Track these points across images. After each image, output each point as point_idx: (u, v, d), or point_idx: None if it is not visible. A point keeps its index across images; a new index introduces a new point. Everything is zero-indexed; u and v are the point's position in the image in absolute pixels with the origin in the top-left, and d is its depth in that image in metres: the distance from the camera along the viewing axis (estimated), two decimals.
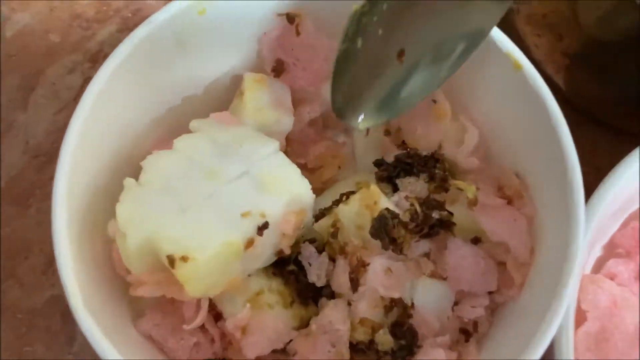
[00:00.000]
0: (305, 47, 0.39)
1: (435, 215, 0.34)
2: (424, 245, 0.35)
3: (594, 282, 0.37)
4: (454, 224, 0.35)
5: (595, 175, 0.49)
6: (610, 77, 0.44)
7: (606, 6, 0.40)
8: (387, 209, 0.34)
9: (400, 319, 0.34)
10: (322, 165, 0.42)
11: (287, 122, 0.40)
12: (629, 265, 0.39)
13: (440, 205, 0.35)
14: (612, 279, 0.38)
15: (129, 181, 0.33)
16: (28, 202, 0.46)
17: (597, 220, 0.35)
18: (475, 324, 0.35)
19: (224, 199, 0.33)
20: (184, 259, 0.30)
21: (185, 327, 0.34)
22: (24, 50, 0.51)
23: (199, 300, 0.34)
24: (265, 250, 0.34)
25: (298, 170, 0.35)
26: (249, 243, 0.32)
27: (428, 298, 0.34)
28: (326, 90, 0.40)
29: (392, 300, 0.34)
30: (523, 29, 0.48)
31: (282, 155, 0.36)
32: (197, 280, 0.31)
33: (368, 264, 0.34)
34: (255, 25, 0.39)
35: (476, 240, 0.36)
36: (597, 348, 0.35)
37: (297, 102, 0.42)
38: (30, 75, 0.51)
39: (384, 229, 0.34)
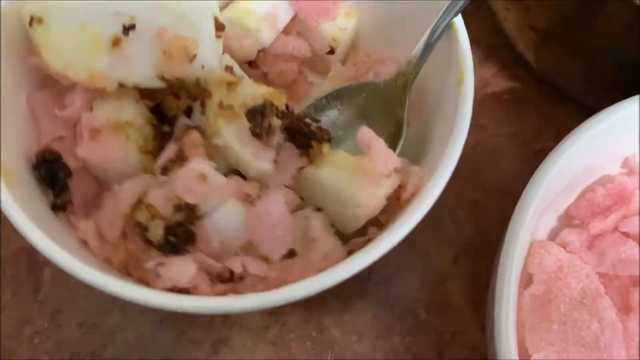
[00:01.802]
0: None
1: (313, 126, 0.36)
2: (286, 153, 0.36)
3: (542, 247, 0.37)
4: (327, 139, 0.36)
5: None
6: (578, 52, 0.45)
7: None
8: (272, 103, 0.35)
9: (182, 222, 0.34)
10: (282, 86, 0.42)
11: (266, 36, 0.41)
12: (581, 235, 0.40)
13: (325, 130, 0.36)
14: (564, 247, 0.39)
15: None
16: None
17: (545, 186, 0.36)
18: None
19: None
20: (39, 20, 0.33)
21: (57, 112, 0.36)
22: None
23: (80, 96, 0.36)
24: (138, 59, 0.35)
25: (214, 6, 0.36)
26: (116, 41, 0.34)
27: (223, 221, 0.34)
28: (325, 29, 0.43)
29: (187, 204, 0.34)
30: (494, 3, 0.49)
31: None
32: (52, 48, 0.34)
33: (187, 159, 0.34)
34: None
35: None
36: (541, 309, 0.36)
37: (292, 30, 0.43)
38: None
39: (261, 112, 0.34)
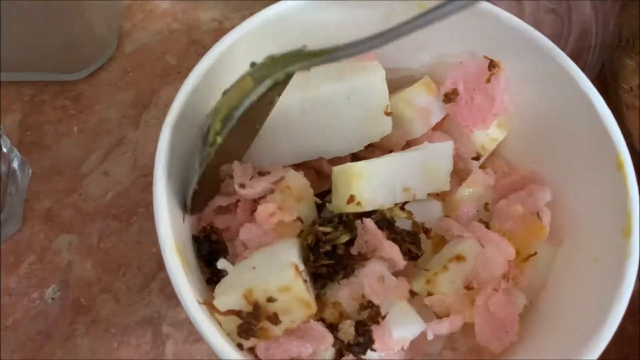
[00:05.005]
0: (486, 95, 0.41)
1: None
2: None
3: None
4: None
5: None
6: None
7: None
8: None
9: (367, 321, 0.34)
10: None
11: (418, 128, 0.42)
12: None
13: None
14: None
15: None
16: (131, 219, 0.47)
17: None
18: None
19: None
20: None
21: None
22: (140, 67, 0.53)
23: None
24: None
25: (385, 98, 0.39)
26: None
27: (397, 321, 0.34)
28: (476, 136, 0.43)
29: (370, 302, 0.34)
30: (621, 96, 0.49)
31: (382, 82, 0.38)
32: None
33: (368, 259, 0.35)
34: (458, 54, 0.41)
35: None
36: None
37: (439, 127, 0.44)
38: (145, 94, 0.52)
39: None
